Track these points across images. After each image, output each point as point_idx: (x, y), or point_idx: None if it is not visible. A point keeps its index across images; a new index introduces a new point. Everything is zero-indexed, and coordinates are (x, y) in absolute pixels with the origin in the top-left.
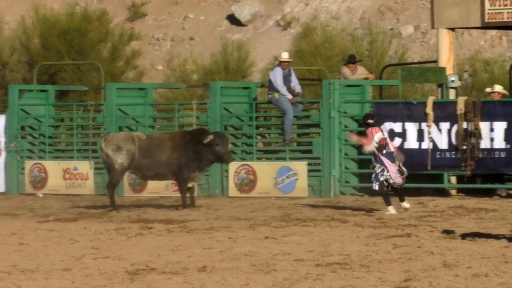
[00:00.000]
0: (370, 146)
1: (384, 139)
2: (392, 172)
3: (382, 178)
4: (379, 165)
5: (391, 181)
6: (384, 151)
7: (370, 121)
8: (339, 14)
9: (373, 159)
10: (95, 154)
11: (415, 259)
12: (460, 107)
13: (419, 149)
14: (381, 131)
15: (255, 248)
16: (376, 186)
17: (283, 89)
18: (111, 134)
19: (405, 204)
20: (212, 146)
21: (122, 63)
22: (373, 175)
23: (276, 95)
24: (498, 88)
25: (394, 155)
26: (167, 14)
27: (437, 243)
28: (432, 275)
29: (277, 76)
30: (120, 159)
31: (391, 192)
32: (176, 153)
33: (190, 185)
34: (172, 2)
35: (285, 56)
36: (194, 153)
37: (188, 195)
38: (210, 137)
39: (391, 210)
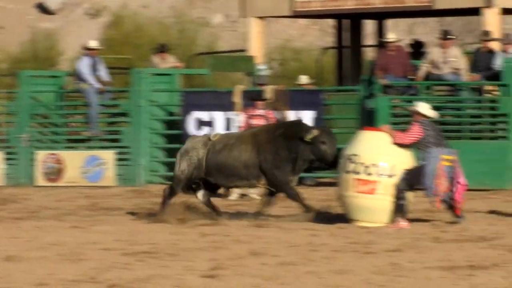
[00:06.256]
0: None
1: None
2: None
3: None
4: None
5: None
6: None
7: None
8: (149, 3)
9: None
10: None
11: (222, 247)
12: (270, 96)
13: None
14: None
15: (62, 237)
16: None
17: (90, 79)
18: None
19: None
20: (316, 144)
21: None
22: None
23: (83, 85)
24: (304, 79)
25: None
26: None
27: (245, 231)
28: (239, 264)
29: (83, 65)
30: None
31: None
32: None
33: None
34: None
35: (92, 44)
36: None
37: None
38: (315, 132)
39: None
